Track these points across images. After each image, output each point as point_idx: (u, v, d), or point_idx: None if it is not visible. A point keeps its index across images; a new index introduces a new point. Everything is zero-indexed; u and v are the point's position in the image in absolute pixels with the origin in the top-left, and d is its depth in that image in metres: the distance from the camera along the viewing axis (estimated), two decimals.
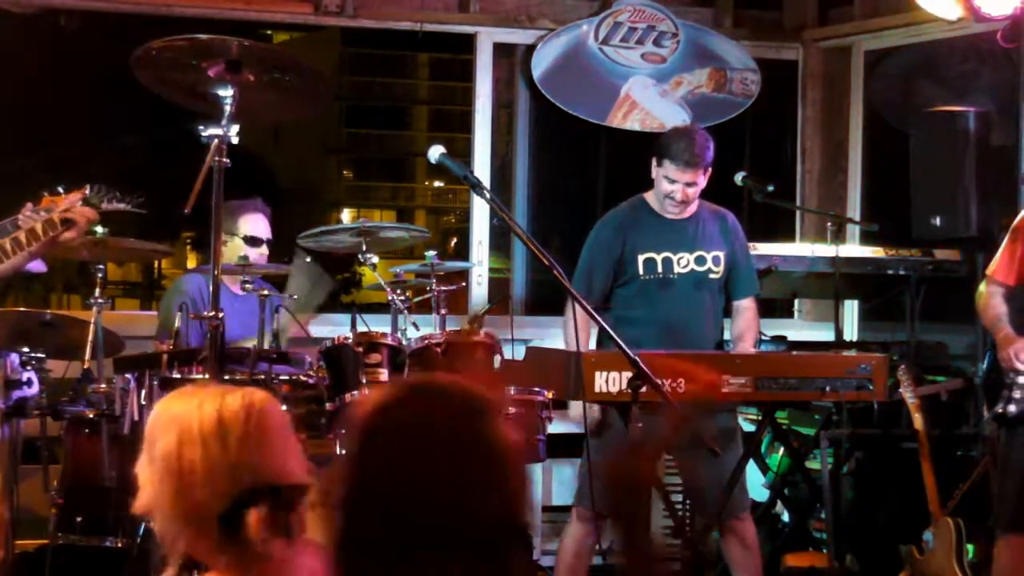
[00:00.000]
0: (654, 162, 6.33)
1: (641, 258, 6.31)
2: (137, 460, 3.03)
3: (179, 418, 2.92)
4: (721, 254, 6.40)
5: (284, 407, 4.81)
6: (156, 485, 2.93)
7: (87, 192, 5.00)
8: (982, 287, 6.15)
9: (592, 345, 6.29)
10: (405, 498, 2.06)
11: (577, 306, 5.96)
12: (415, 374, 2.33)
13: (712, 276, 6.39)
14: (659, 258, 6.32)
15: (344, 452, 2.04)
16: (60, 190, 5.14)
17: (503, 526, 2.07)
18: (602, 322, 5.29)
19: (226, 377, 5.08)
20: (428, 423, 2.13)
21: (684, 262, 6.35)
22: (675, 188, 6.24)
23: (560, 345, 6.31)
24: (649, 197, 6.42)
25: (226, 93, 4.93)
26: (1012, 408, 5.86)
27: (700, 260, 6.37)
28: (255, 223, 6.74)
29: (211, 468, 2.87)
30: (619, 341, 5.13)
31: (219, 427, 2.90)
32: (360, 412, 2.17)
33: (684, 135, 6.40)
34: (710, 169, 6.29)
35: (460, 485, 2.06)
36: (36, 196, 5.05)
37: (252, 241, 6.70)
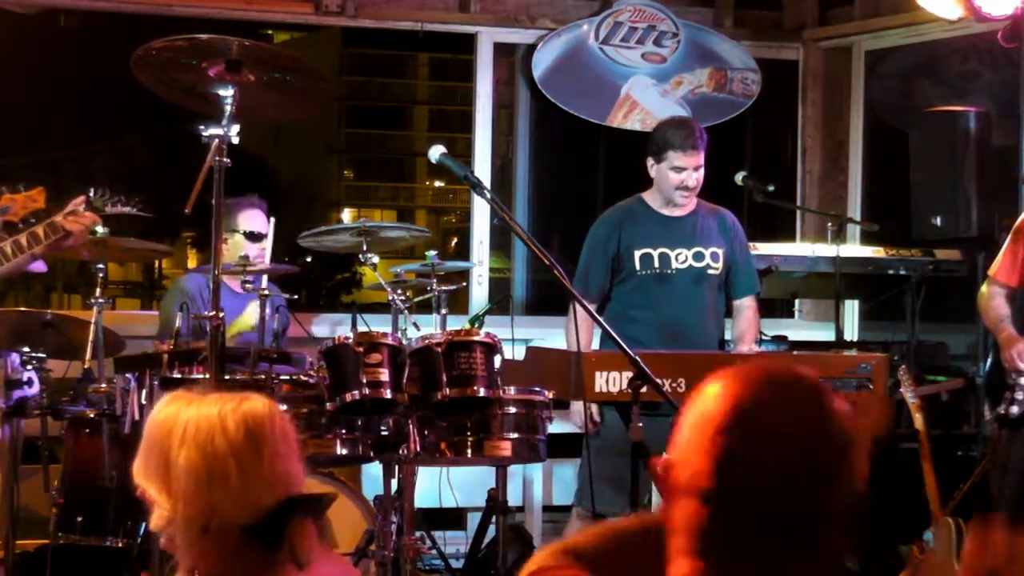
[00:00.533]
0: (652, 160, 6.35)
1: (638, 254, 6.33)
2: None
3: (199, 430, 2.83)
4: (720, 251, 6.41)
5: (284, 407, 4.81)
6: (178, 501, 2.82)
7: (91, 195, 4.99)
8: (984, 288, 6.16)
9: (596, 345, 6.28)
10: (767, 488, 2.09)
11: (579, 306, 5.98)
12: (758, 361, 2.31)
13: (711, 272, 6.39)
14: (656, 253, 6.33)
15: (700, 442, 2.01)
16: (21, 188, 5.14)
17: (850, 509, 2.10)
18: (602, 322, 5.30)
19: (226, 377, 5.08)
20: (786, 414, 2.14)
21: (682, 258, 6.35)
22: (685, 176, 6.27)
23: (561, 345, 6.31)
24: (647, 196, 6.43)
25: (226, 93, 4.93)
26: (1015, 409, 5.86)
27: (698, 256, 6.38)
28: (254, 218, 6.76)
29: (248, 481, 2.81)
30: (619, 341, 5.14)
31: (249, 439, 2.83)
32: (713, 403, 2.16)
33: (679, 124, 6.48)
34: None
35: (817, 475, 2.09)
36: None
37: (253, 236, 6.71)
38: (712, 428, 2.13)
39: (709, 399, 2.18)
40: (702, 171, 6.32)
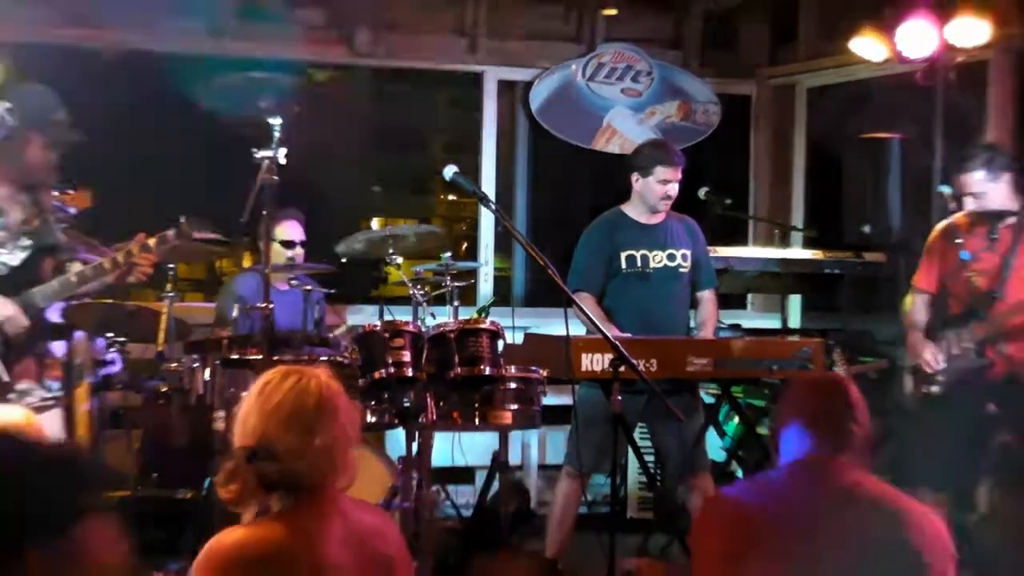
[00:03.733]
0: (637, 176, 6.35)
1: (624, 255, 6.33)
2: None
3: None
4: (687, 252, 6.42)
5: None
6: None
7: (181, 222, 4.96)
8: (909, 296, 6.16)
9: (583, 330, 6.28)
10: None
11: (584, 294, 5.98)
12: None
13: (681, 270, 6.41)
14: (638, 255, 6.34)
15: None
16: (70, 191, 5.13)
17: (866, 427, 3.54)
18: (587, 312, 5.33)
19: (275, 358, 5.10)
20: (826, 384, 3.67)
21: (658, 259, 6.36)
22: (669, 187, 6.31)
23: (553, 332, 6.31)
24: (626, 208, 6.44)
25: (275, 122, 4.96)
26: (935, 388, 5.88)
27: (671, 257, 6.39)
28: (288, 229, 6.77)
29: (242, 427, 2.96)
30: (601, 328, 5.17)
31: (259, 391, 2.97)
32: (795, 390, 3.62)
33: (663, 145, 6.53)
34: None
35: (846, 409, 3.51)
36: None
37: (286, 244, 6.73)
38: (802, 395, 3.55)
39: (796, 387, 3.63)
40: (677, 186, 6.36)
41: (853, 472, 3.37)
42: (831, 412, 3.47)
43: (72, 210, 5.13)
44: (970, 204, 5.92)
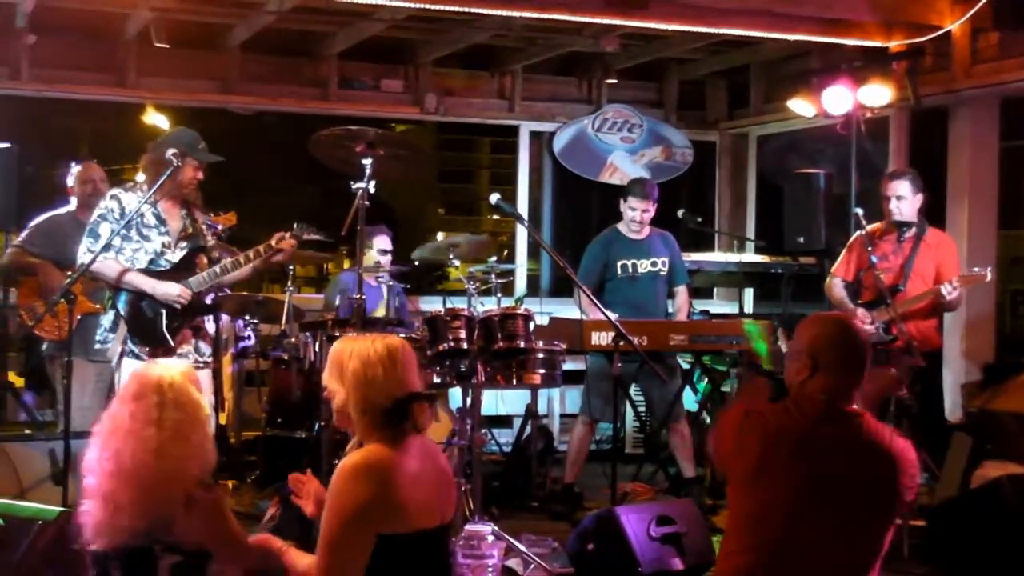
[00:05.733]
0: (622, 200, 6.32)
1: (618, 263, 6.29)
2: (316, 382, 3.03)
3: (360, 350, 2.96)
4: (666, 259, 6.36)
5: None
6: (348, 393, 2.95)
7: (295, 226, 4.98)
8: (829, 280, 6.11)
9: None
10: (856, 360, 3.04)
11: (582, 291, 5.96)
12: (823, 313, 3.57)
13: (661, 273, 6.35)
14: (629, 263, 6.30)
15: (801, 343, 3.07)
16: (220, 212, 5.20)
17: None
18: (596, 302, 5.31)
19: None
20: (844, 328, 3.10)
21: (644, 266, 6.32)
22: (636, 213, 6.23)
23: (571, 315, 6.27)
24: (620, 226, 6.39)
25: (366, 162, 4.94)
26: None
27: (654, 264, 6.34)
28: (383, 241, 6.76)
29: (388, 381, 2.93)
30: (607, 313, 5.14)
31: (389, 356, 2.95)
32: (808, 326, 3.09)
33: (639, 181, 6.47)
34: (656, 203, 6.29)
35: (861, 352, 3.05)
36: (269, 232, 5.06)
37: (382, 252, 6.72)
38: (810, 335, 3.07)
39: (805, 326, 3.08)
40: (650, 212, 6.26)
41: (859, 414, 3.02)
42: (856, 359, 3.02)
43: (219, 226, 5.15)
44: (891, 205, 5.82)
